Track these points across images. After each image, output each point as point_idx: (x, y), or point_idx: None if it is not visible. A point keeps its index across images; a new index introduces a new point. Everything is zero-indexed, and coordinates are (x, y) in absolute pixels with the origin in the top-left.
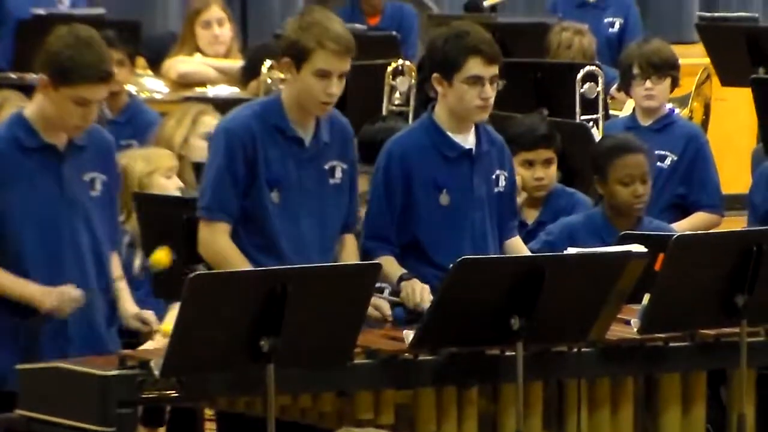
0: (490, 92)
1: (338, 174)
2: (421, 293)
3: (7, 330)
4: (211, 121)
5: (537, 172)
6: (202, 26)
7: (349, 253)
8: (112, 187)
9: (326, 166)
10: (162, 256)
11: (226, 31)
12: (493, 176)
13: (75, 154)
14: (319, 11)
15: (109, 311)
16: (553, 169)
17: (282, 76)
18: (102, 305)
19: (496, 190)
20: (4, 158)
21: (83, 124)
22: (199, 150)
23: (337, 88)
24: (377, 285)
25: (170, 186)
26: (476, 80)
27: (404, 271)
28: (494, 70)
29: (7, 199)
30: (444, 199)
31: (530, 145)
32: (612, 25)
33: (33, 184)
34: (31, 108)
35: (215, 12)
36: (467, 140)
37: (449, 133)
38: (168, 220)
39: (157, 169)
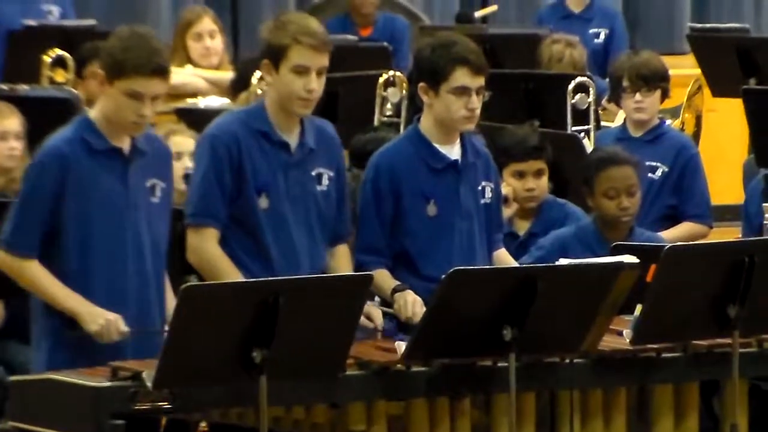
0: (477, 103)
1: (325, 181)
2: (413, 305)
3: (65, 332)
4: (181, 141)
5: (528, 183)
6: (193, 38)
7: (342, 263)
8: (169, 194)
9: (313, 173)
10: None
11: (217, 43)
12: (480, 187)
13: (138, 159)
14: (293, 12)
15: (163, 317)
16: (545, 180)
17: None
18: (158, 311)
19: (482, 201)
20: (72, 160)
21: (139, 120)
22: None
23: (316, 84)
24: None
25: None
26: (463, 91)
27: (398, 283)
28: (481, 81)
29: (75, 200)
30: (431, 210)
31: (521, 156)
32: (597, 35)
33: (100, 187)
34: (95, 110)
35: (207, 24)
36: (453, 151)
37: (435, 145)
38: None
39: None
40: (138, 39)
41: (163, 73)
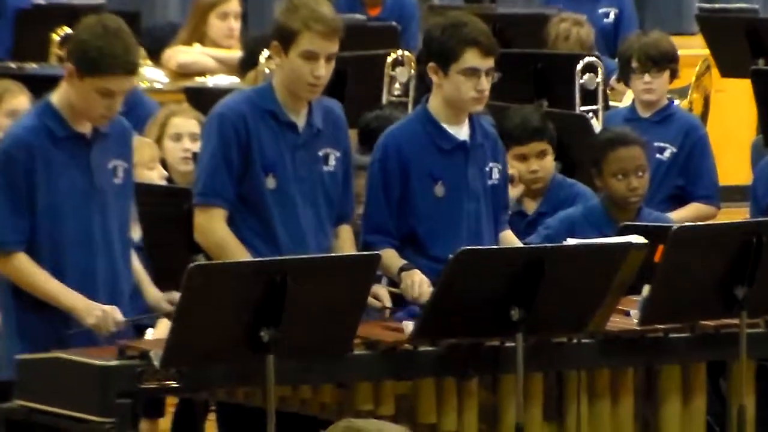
0: (486, 84)
1: (332, 162)
2: (420, 285)
3: (37, 323)
4: (180, 122)
5: (532, 165)
6: (219, 17)
7: (345, 243)
8: (131, 174)
9: (320, 153)
10: None
11: (239, 26)
12: (487, 168)
13: (100, 142)
14: None
15: (133, 298)
16: (549, 160)
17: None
18: (128, 293)
19: (489, 182)
20: (36, 148)
21: (108, 114)
22: (171, 151)
23: (324, 70)
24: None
25: (154, 177)
26: (473, 72)
27: (405, 262)
28: (490, 62)
29: (43, 188)
30: (439, 190)
31: (522, 138)
32: (607, 15)
33: (64, 173)
34: (57, 96)
35: (234, 5)
36: (462, 132)
37: (444, 125)
38: (168, 210)
39: (138, 163)
40: (111, 36)
41: (134, 70)
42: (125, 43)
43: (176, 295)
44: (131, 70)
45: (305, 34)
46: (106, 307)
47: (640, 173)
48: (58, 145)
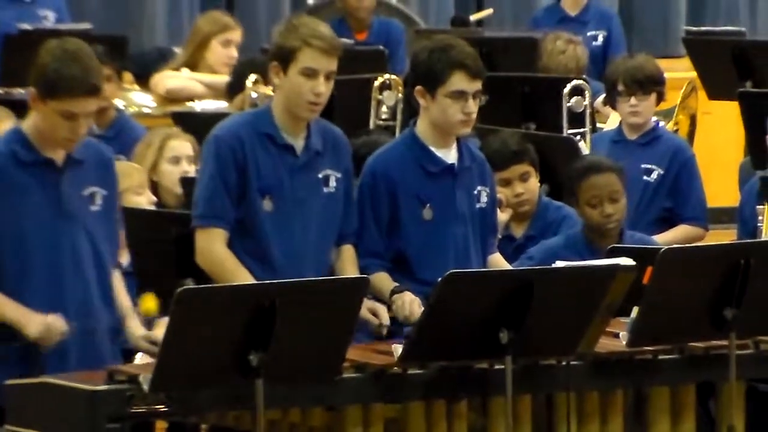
0: (473, 107)
1: (332, 183)
2: (410, 305)
3: (7, 351)
4: (177, 145)
5: (516, 189)
6: (222, 44)
7: (347, 264)
8: (112, 201)
9: (320, 175)
10: (150, 304)
11: (236, 55)
12: (475, 192)
13: (73, 168)
14: (305, 16)
15: (112, 326)
16: (533, 182)
17: (266, 91)
18: (105, 320)
19: (477, 206)
20: (2, 173)
21: (73, 137)
22: (169, 175)
23: (324, 87)
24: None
25: (143, 202)
26: (460, 95)
27: (396, 284)
28: (478, 85)
29: (6, 213)
30: (427, 213)
31: (502, 164)
32: (595, 38)
33: (32, 199)
34: (27, 123)
35: (238, 35)
36: (449, 155)
37: (432, 148)
38: (157, 235)
39: (127, 189)
40: (71, 58)
41: (96, 92)
42: (84, 64)
43: (155, 335)
44: (91, 91)
45: (305, 50)
46: (49, 318)
47: (614, 199)
48: (26, 171)
